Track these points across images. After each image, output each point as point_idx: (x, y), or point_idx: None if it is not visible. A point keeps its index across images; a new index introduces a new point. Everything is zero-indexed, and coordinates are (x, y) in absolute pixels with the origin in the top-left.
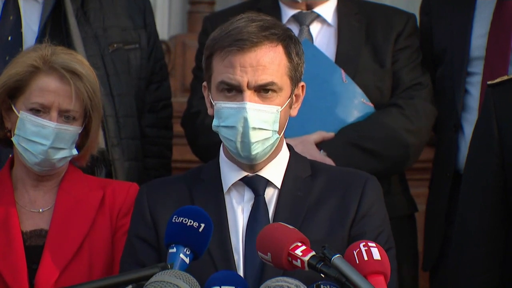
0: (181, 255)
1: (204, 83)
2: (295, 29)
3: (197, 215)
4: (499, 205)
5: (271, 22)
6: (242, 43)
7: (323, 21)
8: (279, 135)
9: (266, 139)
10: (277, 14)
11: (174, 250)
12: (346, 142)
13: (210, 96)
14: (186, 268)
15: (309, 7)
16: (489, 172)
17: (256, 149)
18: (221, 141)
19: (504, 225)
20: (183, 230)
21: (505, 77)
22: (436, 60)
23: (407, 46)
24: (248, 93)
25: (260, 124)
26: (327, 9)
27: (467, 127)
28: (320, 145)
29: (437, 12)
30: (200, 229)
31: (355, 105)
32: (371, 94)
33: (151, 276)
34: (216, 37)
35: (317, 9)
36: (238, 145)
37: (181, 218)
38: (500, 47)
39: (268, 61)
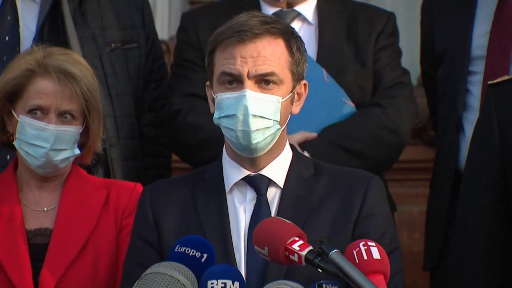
0: None
1: (207, 83)
2: None
3: (199, 245)
4: (499, 204)
5: (273, 18)
6: (243, 34)
7: (304, 19)
8: (281, 126)
9: (266, 128)
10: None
11: None
12: (329, 142)
13: (212, 93)
14: None
15: (290, 5)
16: (489, 172)
17: (257, 138)
18: (204, 140)
19: (504, 225)
20: (185, 260)
21: (506, 77)
22: (437, 59)
23: (388, 45)
24: (248, 83)
25: (260, 112)
26: (308, 7)
27: (468, 127)
28: (303, 145)
29: (438, 11)
30: (203, 260)
31: (337, 104)
32: (352, 93)
33: None
34: (218, 32)
35: (298, 7)
36: (239, 133)
37: (184, 248)
38: (501, 46)
39: (269, 53)
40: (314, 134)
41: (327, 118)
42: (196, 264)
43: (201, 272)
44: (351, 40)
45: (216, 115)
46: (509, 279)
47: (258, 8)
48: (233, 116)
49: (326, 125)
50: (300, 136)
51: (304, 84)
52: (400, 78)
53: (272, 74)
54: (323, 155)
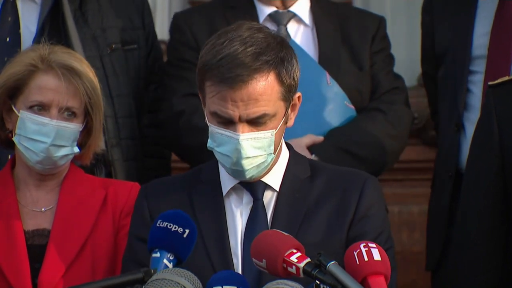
0: (165, 261)
1: (199, 94)
2: (272, 28)
3: (181, 221)
4: (499, 205)
5: (264, 44)
6: (232, 81)
7: (299, 20)
8: (274, 154)
9: (261, 163)
10: (253, 12)
11: (158, 255)
12: (337, 147)
13: (205, 112)
14: None
15: (284, 4)
16: (490, 173)
17: (251, 173)
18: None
19: (504, 225)
20: (167, 235)
21: (506, 78)
22: (438, 59)
23: (382, 49)
24: (240, 125)
25: (254, 152)
26: (303, 8)
27: (469, 127)
28: (311, 149)
29: (439, 11)
30: (185, 235)
31: (339, 107)
32: (351, 97)
33: (134, 281)
34: (207, 62)
35: (293, 8)
36: (232, 171)
37: (166, 223)
38: (502, 45)
39: (259, 93)
40: (321, 138)
41: (330, 121)
42: (178, 240)
43: (183, 248)
44: (346, 42)
45: (209, 144)
46: (509, 279)
47: (253, 8)
48: (226, 156)
49: (330, 128)
50: (308, 139)
51: (298, 97)
52: (396, 83)
53: (263, 115)
54: (331, 159)
